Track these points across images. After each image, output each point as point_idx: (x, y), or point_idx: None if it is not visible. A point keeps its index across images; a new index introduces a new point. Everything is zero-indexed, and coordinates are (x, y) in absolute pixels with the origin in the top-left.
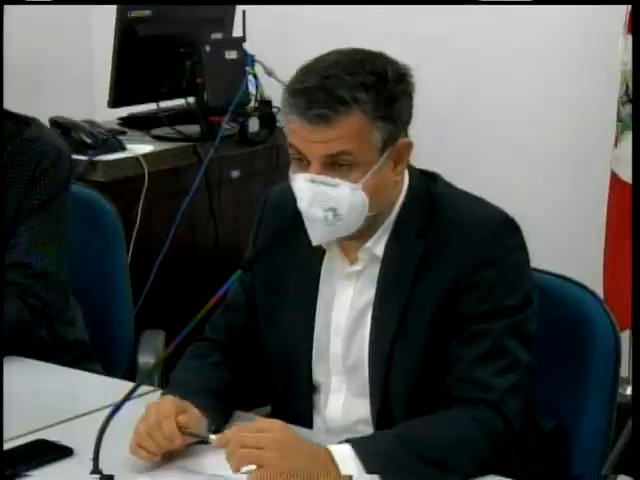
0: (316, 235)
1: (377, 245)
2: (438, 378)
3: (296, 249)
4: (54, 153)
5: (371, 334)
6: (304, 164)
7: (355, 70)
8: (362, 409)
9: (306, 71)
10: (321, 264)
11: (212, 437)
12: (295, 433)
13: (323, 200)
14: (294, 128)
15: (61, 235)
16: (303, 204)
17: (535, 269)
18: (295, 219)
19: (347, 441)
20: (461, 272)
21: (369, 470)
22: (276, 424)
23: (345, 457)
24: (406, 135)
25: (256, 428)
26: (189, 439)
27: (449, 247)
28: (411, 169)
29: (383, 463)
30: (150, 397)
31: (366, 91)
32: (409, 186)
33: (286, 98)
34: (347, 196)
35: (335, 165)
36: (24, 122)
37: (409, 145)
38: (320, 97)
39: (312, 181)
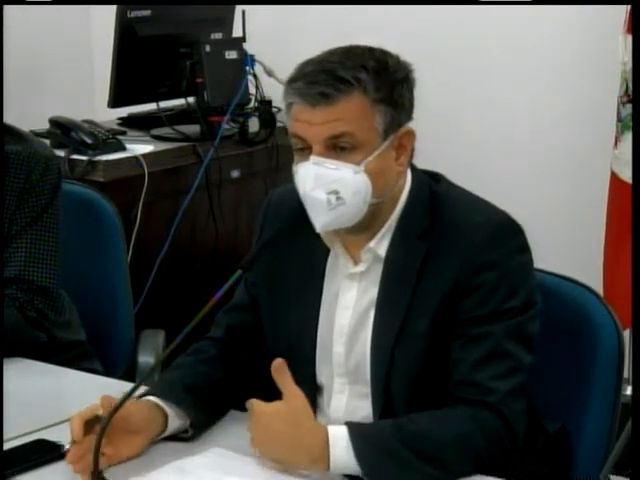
0: (319, 220)
1: (380, 245)
2: (439, 379)
3: (300, 248)
4: (42, 163)
5: (373, 336)
6: (306, 153)
7: (355, 56)
8: (365, 410)
9: (306, 63)
10: (325, 263)
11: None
12: (288, 415)
13: (326, 182)
14: (296, 114)
15: (56, 242)
16: (307, 186)
17: (536, 269)
18: (297, 218)
19: (347, 424)
20: (462, 274)
21: (358, 452)
22: (267, 409)
23: (338, 438)
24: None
25: (255, 412)
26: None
27: (450, 249)
28: (414, 170)
29: (373, 447)
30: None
31: (367, 72)
32: (412, 186)
33: (287, 88)
34: (350, 178)
35: (337, 148)
36: (12, 133)
37: (411, 134)
38: (321, 78)
39: (315, 164)
